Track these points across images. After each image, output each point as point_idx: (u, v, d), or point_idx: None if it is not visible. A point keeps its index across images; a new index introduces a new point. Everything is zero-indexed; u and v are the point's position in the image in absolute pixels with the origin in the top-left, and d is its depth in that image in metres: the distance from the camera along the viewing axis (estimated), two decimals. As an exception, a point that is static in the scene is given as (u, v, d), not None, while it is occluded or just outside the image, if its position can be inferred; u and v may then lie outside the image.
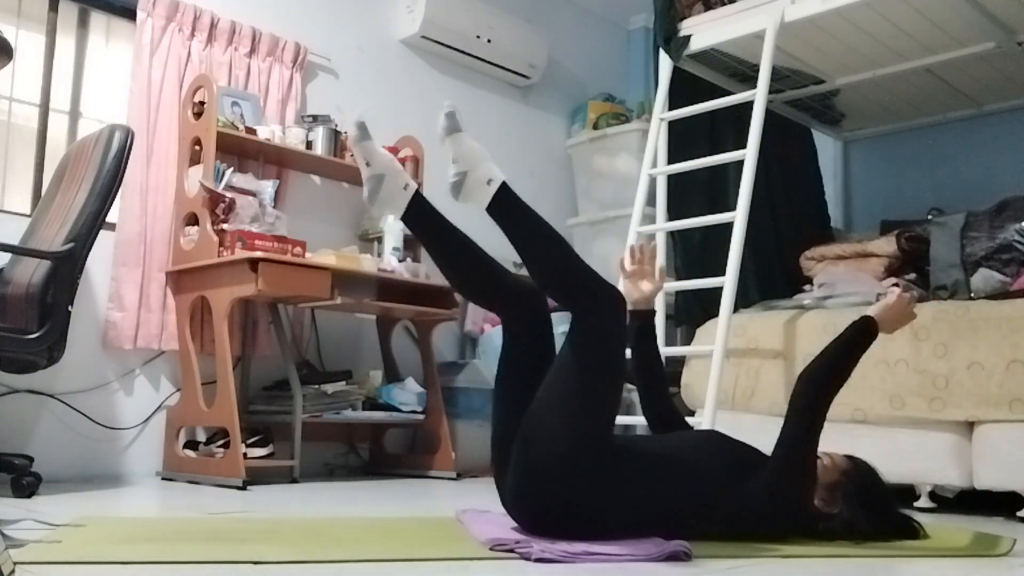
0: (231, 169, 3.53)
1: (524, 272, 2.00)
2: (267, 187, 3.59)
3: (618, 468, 1.85)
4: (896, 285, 2.31)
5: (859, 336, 2.05)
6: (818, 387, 1.98)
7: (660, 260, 2.51)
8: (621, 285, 2.33)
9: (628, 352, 2.17)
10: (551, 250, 1.92)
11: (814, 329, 3.29)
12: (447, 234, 1.99)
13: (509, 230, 1.92)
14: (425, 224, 1.99)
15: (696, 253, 4.07)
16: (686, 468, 1.92)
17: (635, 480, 1.86)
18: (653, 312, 2.35)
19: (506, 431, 1.92)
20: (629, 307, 2.33)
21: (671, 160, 3.77)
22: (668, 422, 2.30)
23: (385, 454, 4.11)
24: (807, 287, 3.90)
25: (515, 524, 1.95)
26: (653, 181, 3.78)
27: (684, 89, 3.91)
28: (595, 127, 5.05)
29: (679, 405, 3.64)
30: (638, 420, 3.97)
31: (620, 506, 1.84)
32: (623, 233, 3.79)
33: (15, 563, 1.39)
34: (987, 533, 2.26)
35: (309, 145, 3.83)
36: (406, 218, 1.96)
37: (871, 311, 2.10)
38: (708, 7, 3.78)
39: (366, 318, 4.16)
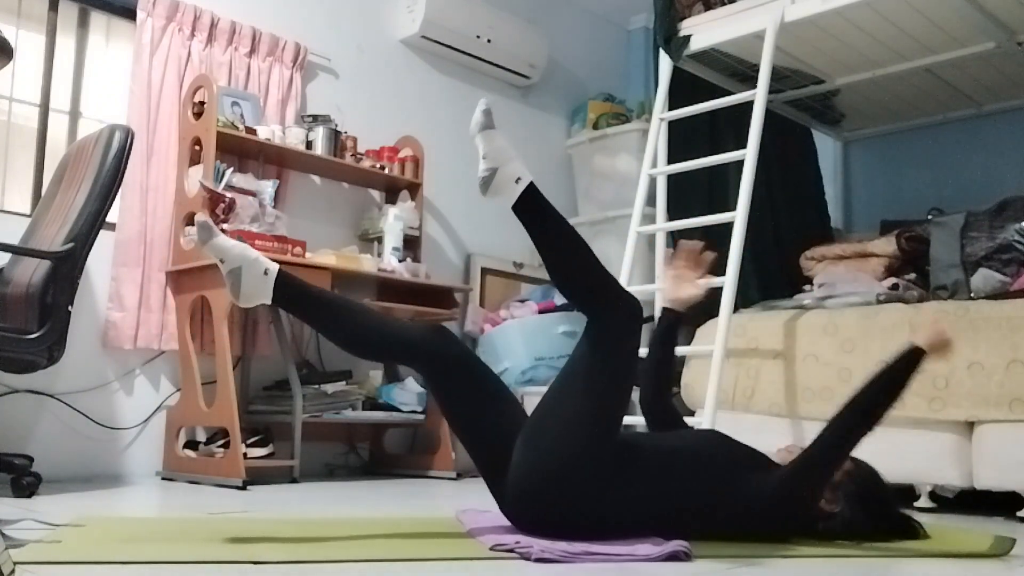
0: (231, 169, 3.53)
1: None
2: (267, 187, 3.59)
3: (621, 468, 1.85)
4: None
5: (903, 364, 1.94)
6: (859, 414, 1.90)
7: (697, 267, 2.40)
8: (664, 279, 2.28)
9: (643, 350, 2.15)
10: (572, 254, 1.91)
11: (814, 329, 3.29)
12: (323, 305, 1.96)
13: (532, 230, 1.92)
14: (296, 301, 1.93)
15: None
16: (687, 468, 1.92)
17: (637, 480, 1.87)
18: (682, 316, 2.32)
19: (496, 438, 1.92)
20: (665, 304, 2.33)
21: (671, 160, 3.77)
22: (666, 422, 2.30)
23: (385, 454, 4.11)
24: (807, 287, 3.89)
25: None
26: (653, 181, 3.78)
27: (684, 89, 3.91)
28: (595, 127, 5.04)
29: (679, 405, 3.67)
30: (639, 420, 3.98)
31: (622, 506, 1.85)
32: (623, 233, 3.79)
33: (15, 563, 1.39)
34: (987, 533, 2.26)
35: (309, 145, 3.83)
36: (275, 301, 1.88)
37: (917, 339, 1.97)
38: (708, 7, 3.78)
39: (366, 318, 4.15)
